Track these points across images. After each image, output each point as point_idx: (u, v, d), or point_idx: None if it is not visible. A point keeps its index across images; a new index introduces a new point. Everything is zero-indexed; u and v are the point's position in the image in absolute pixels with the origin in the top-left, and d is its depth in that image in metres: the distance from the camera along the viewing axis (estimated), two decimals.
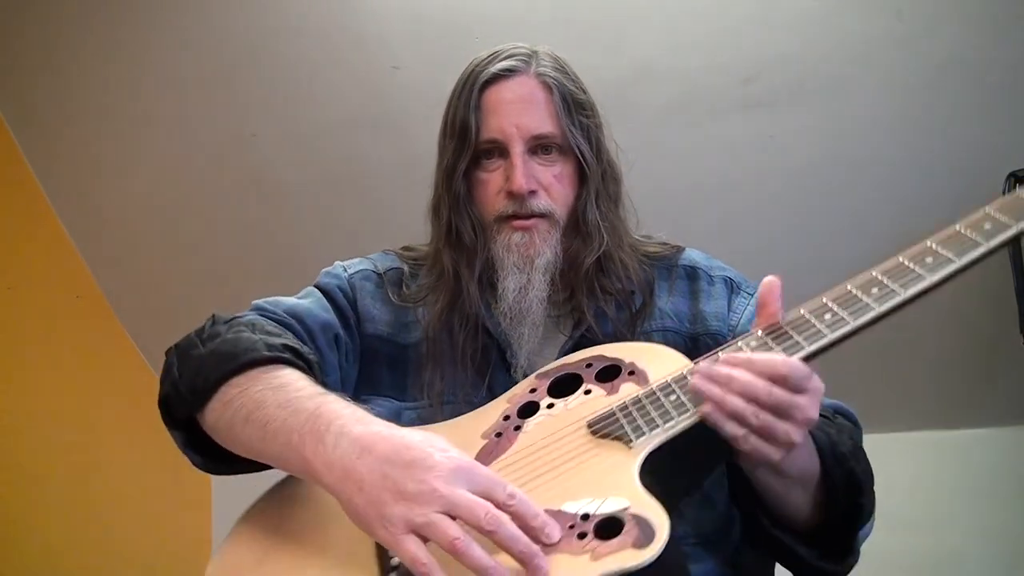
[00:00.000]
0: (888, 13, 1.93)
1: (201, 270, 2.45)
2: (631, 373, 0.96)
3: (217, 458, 0.99)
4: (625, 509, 0.79)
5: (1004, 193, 1.86)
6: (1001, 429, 2.23)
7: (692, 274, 1.18)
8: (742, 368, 0.83)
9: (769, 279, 0.90)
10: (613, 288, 1.13)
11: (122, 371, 2.54)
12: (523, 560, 0.75)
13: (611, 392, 0.95)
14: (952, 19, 1.89)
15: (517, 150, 1.10)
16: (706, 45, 2.02)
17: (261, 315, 1.07)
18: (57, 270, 2.45)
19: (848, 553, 0.99)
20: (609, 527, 0.78)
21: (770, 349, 0.86)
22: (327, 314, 1.12)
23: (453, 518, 0.76)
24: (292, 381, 0.93)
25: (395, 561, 0.83)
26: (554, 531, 0.78)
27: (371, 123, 2.19)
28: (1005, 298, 1.87)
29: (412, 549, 0.75)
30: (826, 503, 0.96)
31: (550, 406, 0.97)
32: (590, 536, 0.78)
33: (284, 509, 0.95)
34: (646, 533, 0.76)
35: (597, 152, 1.15)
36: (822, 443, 0.96)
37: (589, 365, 1.00)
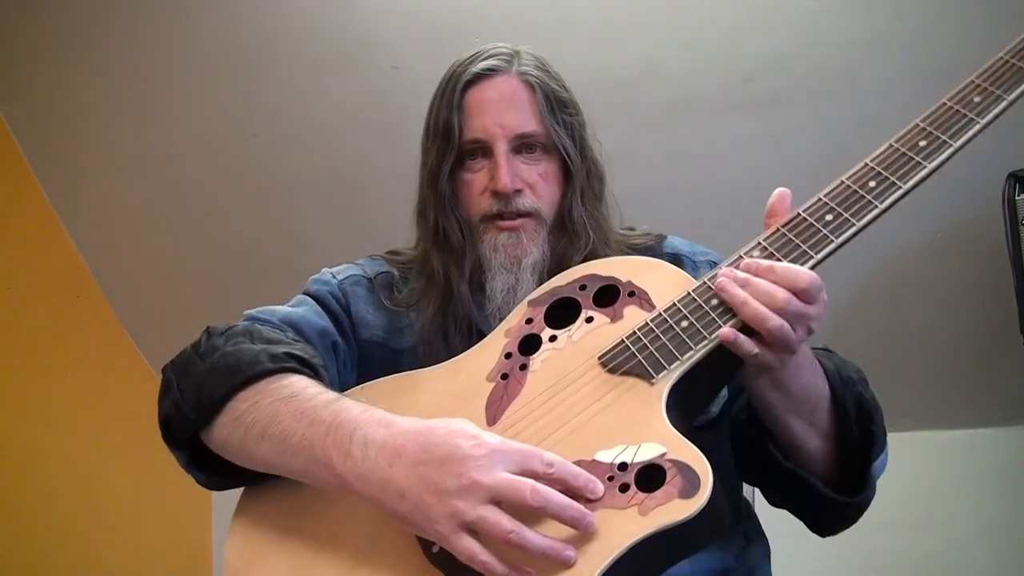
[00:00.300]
0: (888, 13, 1.93)
1: (201, 270, 2.44)
2: (631, 294, 0.93)
3: (222, 473, 0.96)
4: (663, 455, 0.78)
5: (1004, 194, 1.87)
6: (1001, 429, 2.23)
7: (676, 261, 1.15)
8: (763, 276, 0.84)
9: (780, 189, 0.91)
10: None
11: (122, 371, 2.53)
12: (575, 525, 0.76)
13: (615, 318, 0.92)
14: (952, 19, 1.89)
15: (501, 149, 1.10)
16: (706, 45, 2.01)
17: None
18: (57, 270, 2.44)
19: (865, 486, 0.99)
20: (650, 476, 0.77)
21: (778, 260, 0.87)
22: (323, 321, 1.10)
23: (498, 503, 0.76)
24: (302, 389, 0.90)
25: None
26: (597, 487, 0.78)
27: (371, 123, 2.19)
28: (1005, 298, 1.87)
29: (468, 547, 0.76)
30: (839, 431, 0.97)
31: (553, 339, 0.93)
32: (632, 488, 0.77)
33: (288, 484, 0.92)
34: (690, 481, 0.75)
35: (581, 150, 1.15)
36: (828, 369, 0.97)
37: (583, 287, 0.96)
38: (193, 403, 0.93)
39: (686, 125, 2.09)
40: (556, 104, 1.13)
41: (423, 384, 0.96)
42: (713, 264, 1.16)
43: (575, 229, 1.13)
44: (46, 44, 2.21)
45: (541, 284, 1.08)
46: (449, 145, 1.12)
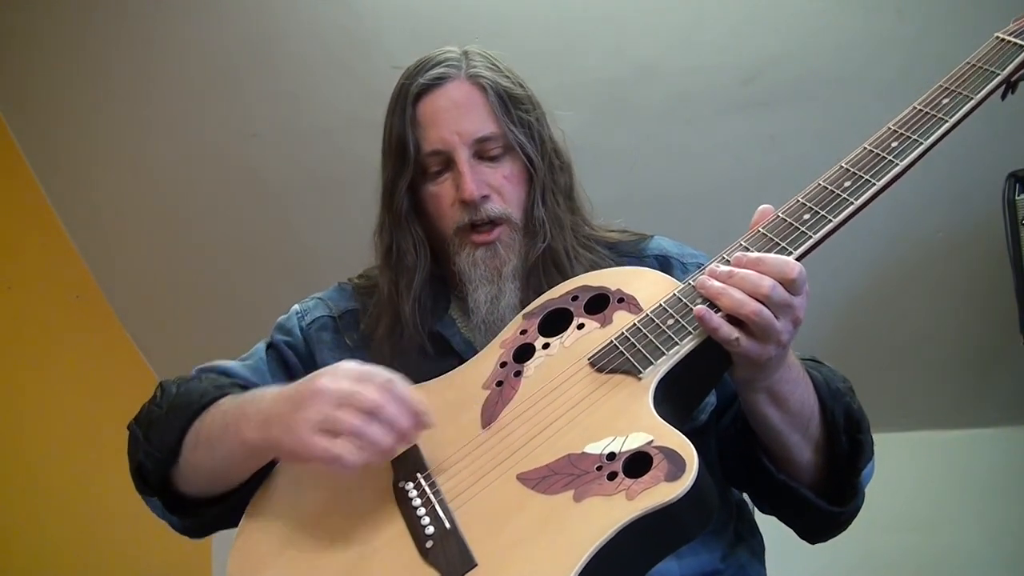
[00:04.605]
0: (888, 13, 1.93)
1: (201, 270, 2.44)
2: (620, 300, 0.96)
3: (195, 513, 1.04)
4: (649, 443, 0.80)
5: (1004, 194, 1.87)
6: (1001, 429, 2.23)
7: (664, 263, 1.15)
8: (750, 267, 0.85)
9: (763, 207, 0.93)
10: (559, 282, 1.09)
11: (122, 371, 2.53)
12: (397, 426, 0.84)
13: (605, 323, 0.94)
14: (952, 19, 1.89)
15: (462, 157, 1.08)
16: (706, 45, 2.01)
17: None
18: (57, 270, 2.44)
19: (854, 495, 1.00)
20: (638, 464, 0.79)
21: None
22: (261, 381, 1.11)
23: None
24: (233, 400, 0.99)
25: (416, 502, 0.86)
26: (430, 416, 0.87)
27: (371, 123, 2.17)
28: (1005, 298, 1.87)
29: (320, 443, 0.83)
30: (828, 442, 0.98)
31: (546, 346, 0.96)
32: (620, 475, 0.79)
33: (290, 496, 0.95)
34: (676, 464, 0.77)
35: (541, 146, 1.13)
36: (817, 380, 0.97)
37: (575, 298, 0.99)
38: (159, 443, 1.01)
39: (686, 126, 2.09)
40: (510, 102, 1.11)
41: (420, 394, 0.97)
42: (702, 266, 1.16)
43: (534, 228, 1.12)
44: (47, 46, 2.21)
45: (522, 289, 1.10)
46: (405, 161, 1.10)
